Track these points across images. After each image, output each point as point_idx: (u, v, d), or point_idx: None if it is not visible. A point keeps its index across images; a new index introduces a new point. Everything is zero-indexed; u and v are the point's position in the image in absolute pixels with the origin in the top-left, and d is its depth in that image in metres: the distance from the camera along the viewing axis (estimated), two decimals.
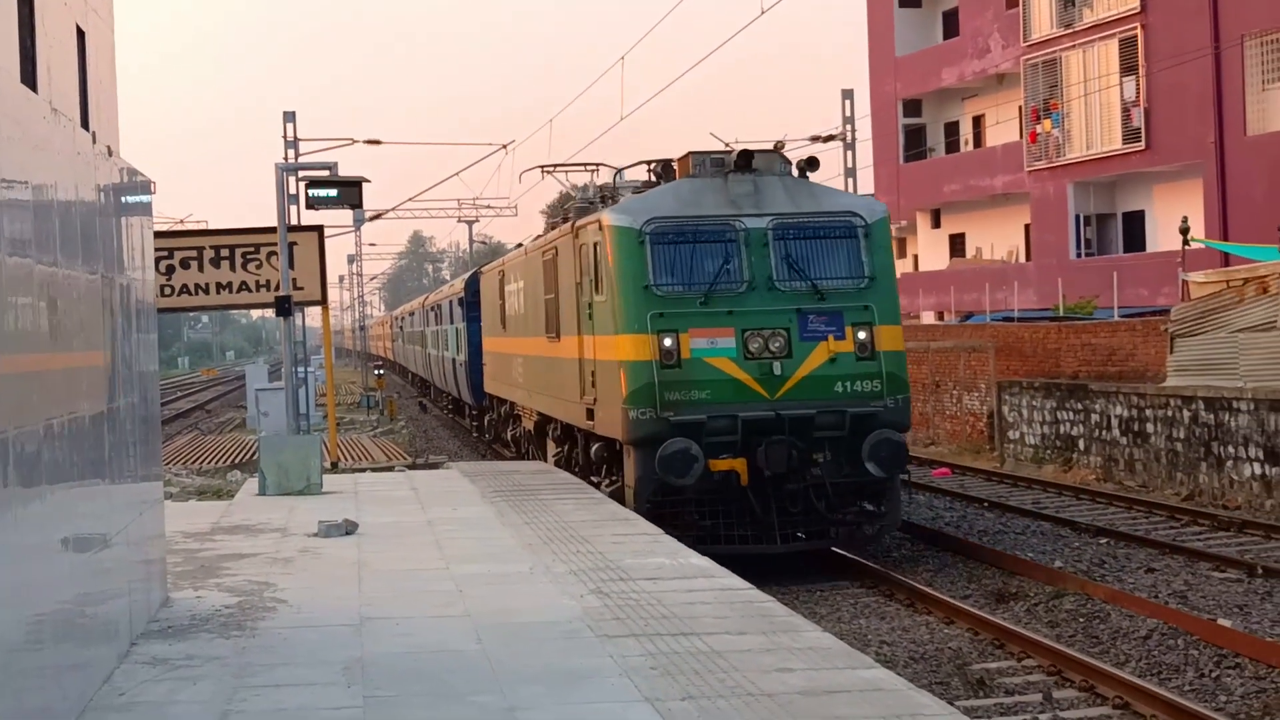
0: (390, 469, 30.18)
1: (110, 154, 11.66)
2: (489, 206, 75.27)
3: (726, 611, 12.07)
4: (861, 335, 19.07)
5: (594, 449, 21.45)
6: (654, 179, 21.88)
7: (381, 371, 73.79)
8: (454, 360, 46.41)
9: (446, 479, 24.64)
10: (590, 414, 20.97)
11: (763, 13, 27.10)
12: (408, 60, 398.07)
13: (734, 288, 19.20)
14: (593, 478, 22.05)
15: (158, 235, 23.52)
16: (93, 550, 10.31)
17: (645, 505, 18.73)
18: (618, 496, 19.92)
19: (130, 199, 12.59)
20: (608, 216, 19.89)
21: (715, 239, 19.39)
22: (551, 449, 26.33)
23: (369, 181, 26.24)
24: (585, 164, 27.50)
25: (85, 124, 10.83)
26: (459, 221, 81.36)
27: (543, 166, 27.79)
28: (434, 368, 57.37)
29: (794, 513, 19.04)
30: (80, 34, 10.93)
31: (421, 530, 17.73)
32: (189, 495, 26.51)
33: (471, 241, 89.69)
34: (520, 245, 34.05)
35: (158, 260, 24.38)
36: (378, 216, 51.50)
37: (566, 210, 25.20)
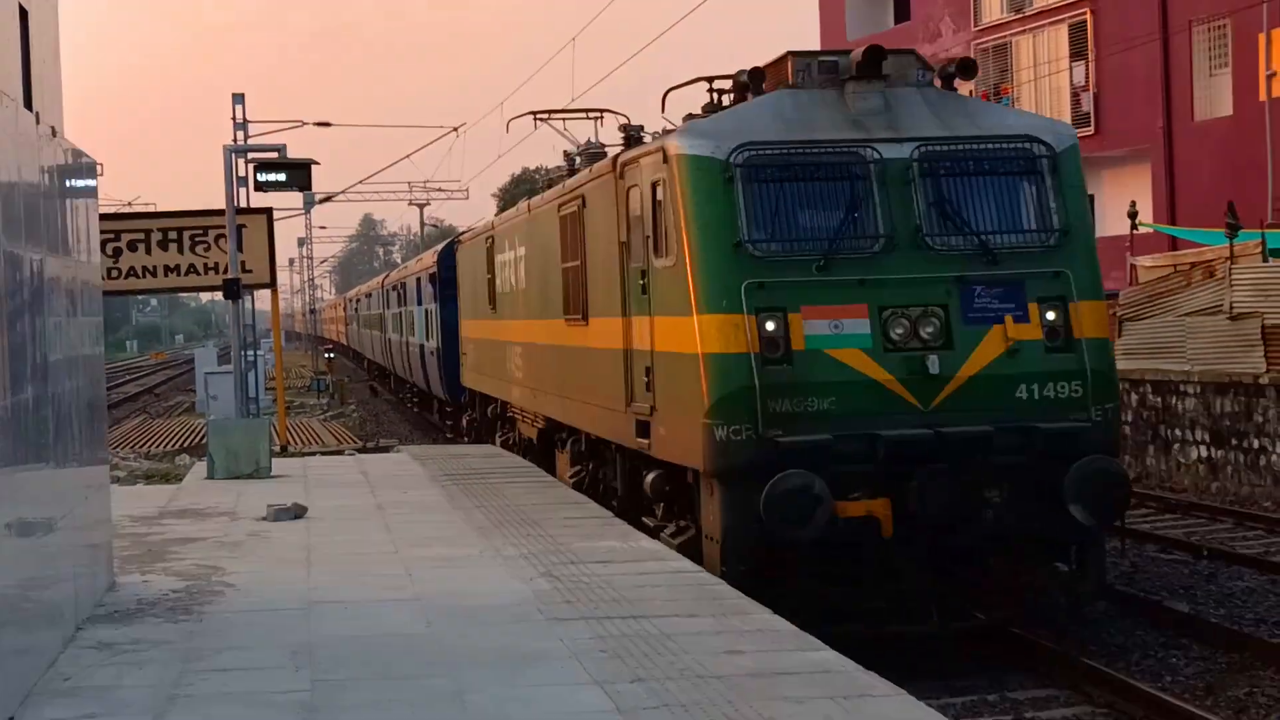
0: (340, 453, 30.08)
1: (54, 134, 11.54)
2: (440, 189, 75.20)
3: (677, 594, 12.07)
4: (1051, 315, 13.64)
5: (649, 479, 15.38)
6: (716, 104, 15.85)
7: (332, 355, 73.51)
8: (422, 348, 40.58)
9: (397, 463, 24.57)
10: (644, 429, 15.31)
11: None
12: (358, 42, 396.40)
13: (866, 246, 13.74)
14: (645, 519, 16.01)
15: (104, 218, 23.38)
16: (37, 535, 10.23)
17: (739, 567, 13.14)
18: (691, 551, 14.10)
19: (75, 180, 12.47)
20: (677, 143, 14.24)
21: (837, 175, 13.97)
22: (565, 467, 20.60)
23: (318, 164, 26.13)
24: (588, 110, 23.19)
25: (28, 104, 10.72)
26: (410, 204, 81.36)
27: (535, 113, 23.77)
28: (396, 355, 50.86)
29: (959, 577, 13.73)
30: (23, 13, 10.81)
31: (371, 514, 17.66)
32: (137, 479, 26.32)
33: (423, 224, 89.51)
34: (512, 206, 29.83)
35: (104, 243, 24.18)
36: (328, 199, 51.36)
37: (571, 162, 21.50)
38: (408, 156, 70.11)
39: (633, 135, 17.69)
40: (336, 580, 13.26)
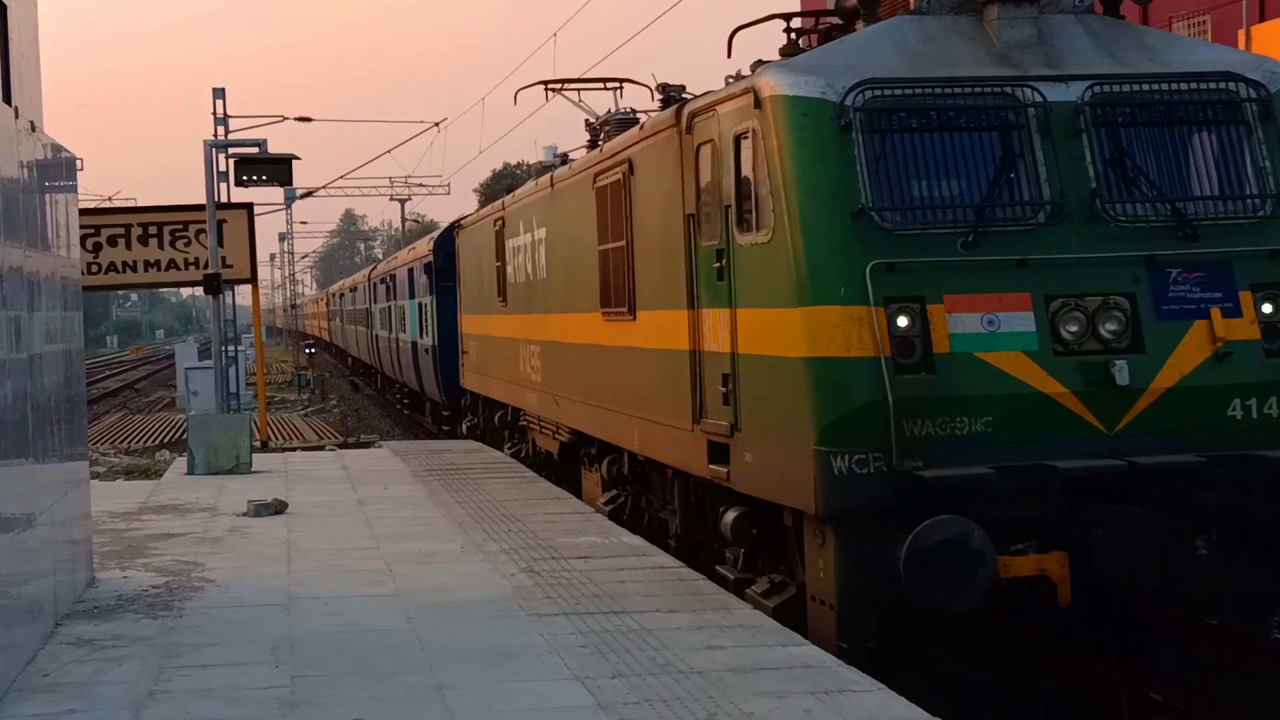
0: (321, 448, 30.03)
1: (33, 129, 11.50)
2: (421, 185, 75.15)
3: (658, 590, 12.07)
4: (1269, 308, 10.63)
5: (729, 519, 11.98)
6: (793, 48, 12.33)
7: (313, 351, 73.40)
8: (414, 345, 37.14)
9: (378, 458, 24.55)
10: (719, 453, 12.04)
11: None
12: (339, 37, 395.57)
13: (1026, 216, 10.74)
14: (721, 569, 12.56)
15: (84, 213, 23.29)
16: (15, 530, 10.20)
17: (864, 642, 10.24)
18: (791, 616, 10.97)
19: (54, 175, 12.44)
20: (773, 80, 10.96)
21: (985, 123, 10.91)
22: (595, 490, 17.60)
23: (299, 159, 26.13)
24: (605, 80, 21.15)
25: (7, 99, 10.68)
26: (391, 199, 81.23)
27: (547, 83, 21.41)
28: (384, 353, 47.34)
29: (1155, 654, 10.66)
30: (2, 8, 10.77)
31: (352, 509, 17.63)
32: (117, 475, 26.24)
33: (404, 219, 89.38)
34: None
35: (84, 238, 24.12)
36: (309, 194, 51.27)
37: (595, 134, 18.71)
38: (389, 151, 70.21)
39: (674, 96, 14.76)
40: (317, 576, 13.23)
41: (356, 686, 9.35)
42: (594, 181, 16.36)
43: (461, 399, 29.86)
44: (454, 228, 30.26)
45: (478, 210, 28.38)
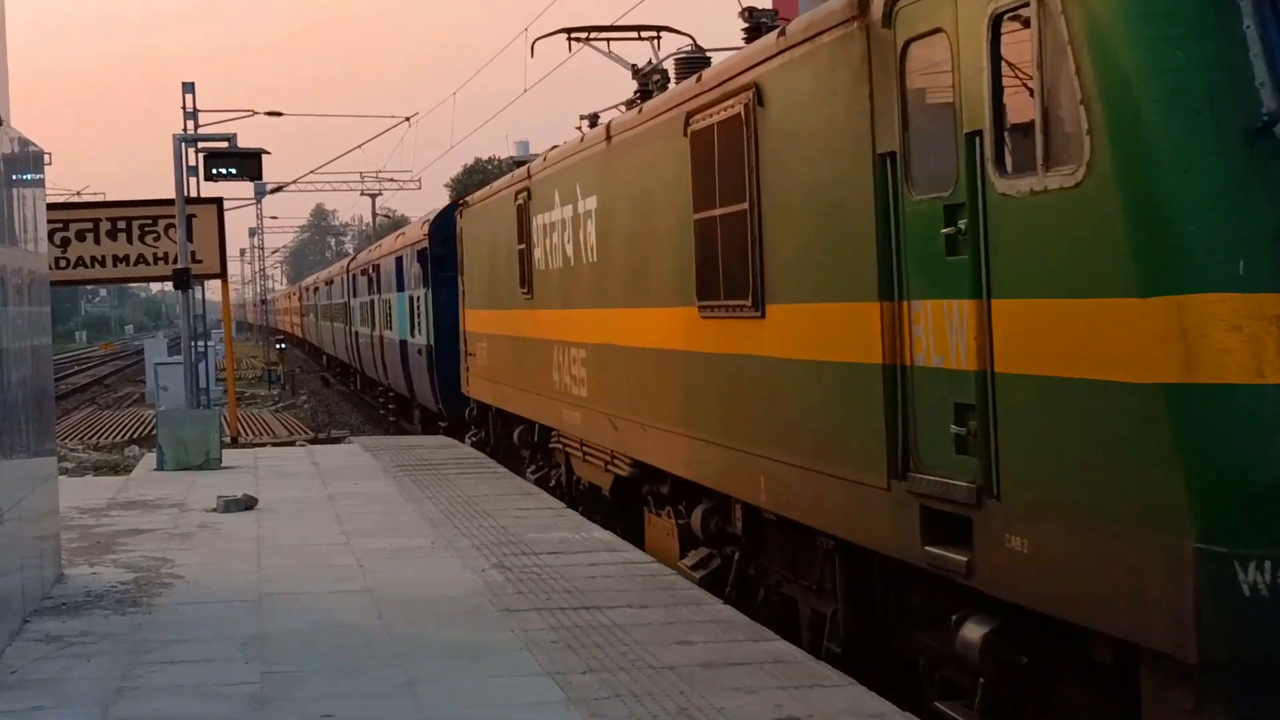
0: (291, 444, 29.89)
1: (0, 123, 11.43)
2: (392, 180, 74.99)
3: (629, 585, 12.06)
4: None
5: (970, 636, 7.89)
6: None
7: (283, 346, 73.17)
8: (404, 345, 33.65)
9: (348, 454, 24.50)
10: (950, 528, 7.97)
11: None
12: (311, 32, 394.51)
13: None
14: (941, 704, 8.51)
15: (52, 207, 23.14)
16: None
17: None
18: None
19: (21, 169, 12.36)
20: None
21: None
22: (669, 541, 13.90)
23: (269, 153, 26.01)
24: (640, 28, 18.10)
25: None
26: (362, 194, 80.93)
27: (570, 31, 18.32)
28: (365, 353, 44.17)
29: None
30: None
31: (322, 505, 17.59)
32: (85, 471, 26.14)
33: (375, 214, 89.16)
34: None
35: (52, 233, 24.00)
36: (279, 189, 50.98)
37: (645, 84, 15.56)
38: (359, 146, 70.06)
39: (765, 23, 11.77)
40: (287, 572, 13.19)
41: (327, 683, 9.32)
42: (686, 125, 12.12)
43: (465, 408, 25.73)
44: (456, 208, 26.63)
45: (490, 186, 22.74)
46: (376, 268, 39.95)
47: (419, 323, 31.13)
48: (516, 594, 11.81)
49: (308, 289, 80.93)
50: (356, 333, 46.60)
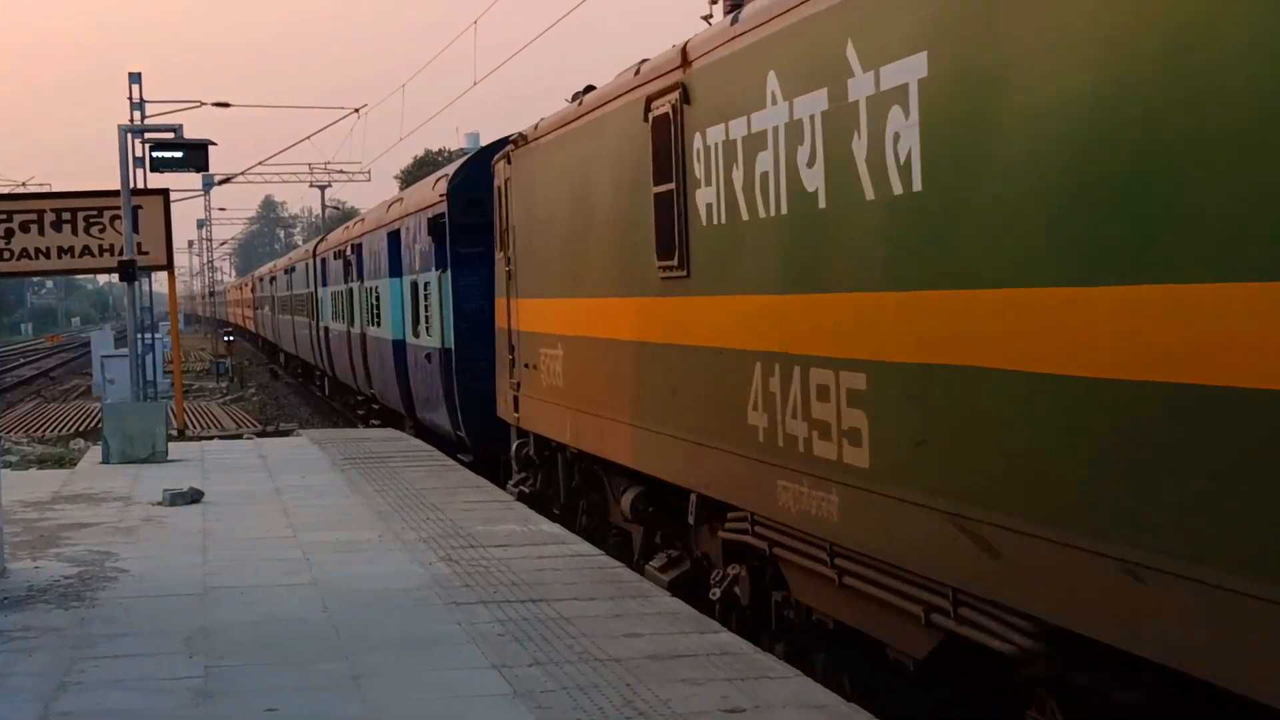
0: (239, 436, 29.79)
1: None
2: (341, 171, 74.58)
3: (576, 577, 12.06)
4: None
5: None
6: None
7: (231, 339, 72.75)
8: (399, 347, 26.90)
9: (296, 446, 24.40)
10: None
11: None
12: (258, 21, 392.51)
13: None
14: None
15: None
16: None
17: None
18: None
19: None
20: None
21: None
22: None
23: (215, 144, 25.97)
24: None
25: None
26: (311, 186, 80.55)
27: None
28: (337, 352, 37.47)
29: None
30: None
31: (269, 498, 17.51)
32: (29, 464, 25.95)
33: (324, 206, 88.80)
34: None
35: None
36: (227, 180, 50.81)
37: None
38: (308, 138, 69.68)
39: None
40: (233, 565, 13.13)
41: (272, 676, 9.27)
42: None
43: (501, 437, 18.73)
44: (492, 153, 18.73)
45: (576, 103, 14.36)
46: (357, 248, 32.30)
47: (425, 318, 24.04)
48: (464, 587, 11.79)
49: (261, 279, 74.69)
50: (325, 329, 39.72)
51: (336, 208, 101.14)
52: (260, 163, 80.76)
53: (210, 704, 8.72)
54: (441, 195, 22.05)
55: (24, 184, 61.71)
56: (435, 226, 22.37)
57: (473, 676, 9.11)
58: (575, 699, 8.54)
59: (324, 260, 39.95)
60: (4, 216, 25.81)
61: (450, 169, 23.29)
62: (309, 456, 22.23)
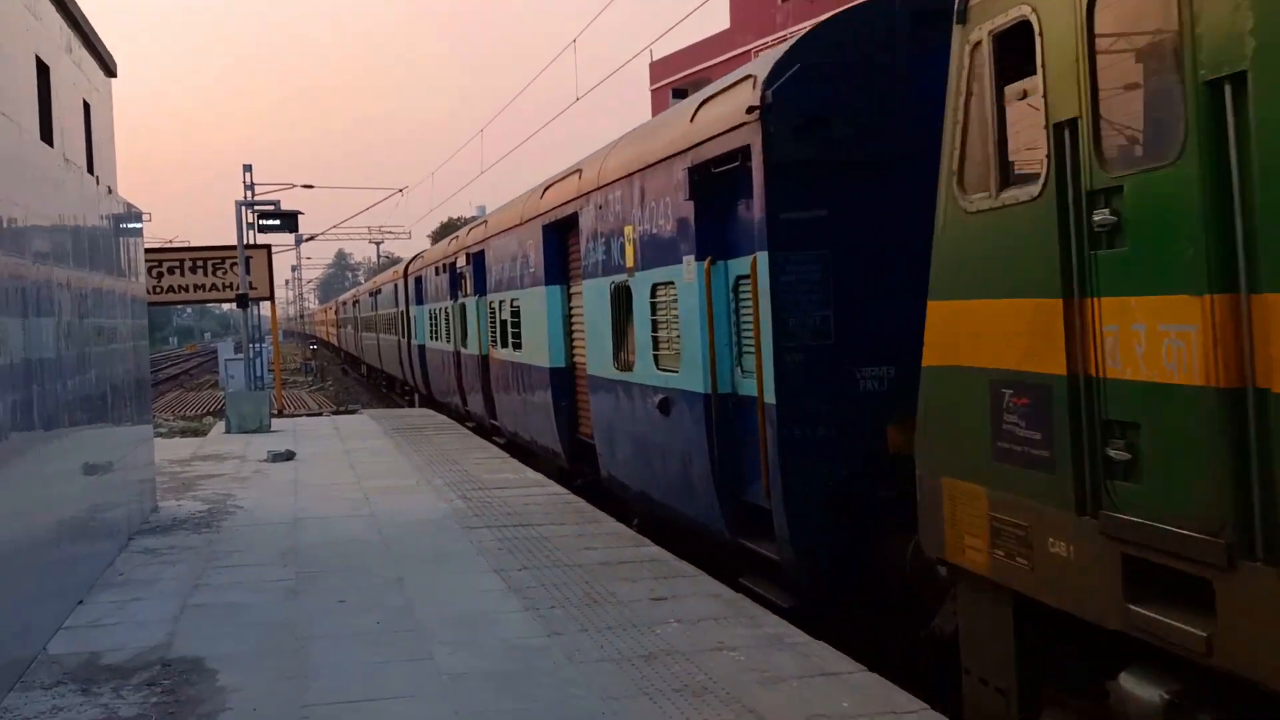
0: (320, 414, 29.51)
1: (110, 191, 11.19)
2: (390, 232, 74.35)
3: (552, 510, 12.02)
4: None
5: None
6: None
7: (315, 347, 72.00)
8: (561, 384, 13.15)
9: (360, 421, 24.19)
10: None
11: (577, 99, 26.75)
12: (334, 126, 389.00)
13: None
14: None
15: (150, 251, 22.70)
16: (100, 473, 9.94)
17: None
18: None
19: (127, 224, 12.11)
20: None
21: None
22: None
23: (303, 214, 25.67)
24: None
25: (90, 170, 10.38)
26: (369, 242, 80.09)
27: None
28: (435, 373, 24.24)
29: None
30: (86, 105, 10.47)
31: (340, 457, 17.36)
32: (175, 434, 25.61)
33: (379, 256, 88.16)
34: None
35: (150, 268, 23.55)
36: (311, 238, 50.19)
37: None
38: (367, 209, 69.11)
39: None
40: (315, 502, 13.01)
41: (342, 578, 9.21)
42: None
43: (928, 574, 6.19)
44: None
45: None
46: (478, 257, 18.21)
47: (633, 343, 10.37)
48: (474, 516, 11.74)
49: (344, 303, 59.43)
50: (422, 347, 26.63)
51: (387, 257, 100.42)
52: (334, 226, 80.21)
53: (298, 598, 8.66)
54: (753, 108, 7.46)
55: (171, 240, 60.91)
56: (701, 177, 8.53)
57: (479, 578, 9.08)
58: (550, 591, 8.52)
59: (417, 280, 27.10)
60: (156, 264, 25.57)
61: (757, 65, 7.97)
62: (368, 428, 22.05)
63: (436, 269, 23.26)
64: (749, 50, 40.19)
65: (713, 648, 6.99)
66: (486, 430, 18.66)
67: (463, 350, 20.21)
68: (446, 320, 21.87)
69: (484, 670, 6.75)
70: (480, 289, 18.42)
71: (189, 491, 14.17)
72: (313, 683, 6.62)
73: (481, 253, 18.19)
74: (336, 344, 77.18)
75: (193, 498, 13.66)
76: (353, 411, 30.13)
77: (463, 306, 20.04)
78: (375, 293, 40.08)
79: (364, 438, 20.11)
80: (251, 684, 6.65)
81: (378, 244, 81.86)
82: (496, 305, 16.72)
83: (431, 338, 24.66)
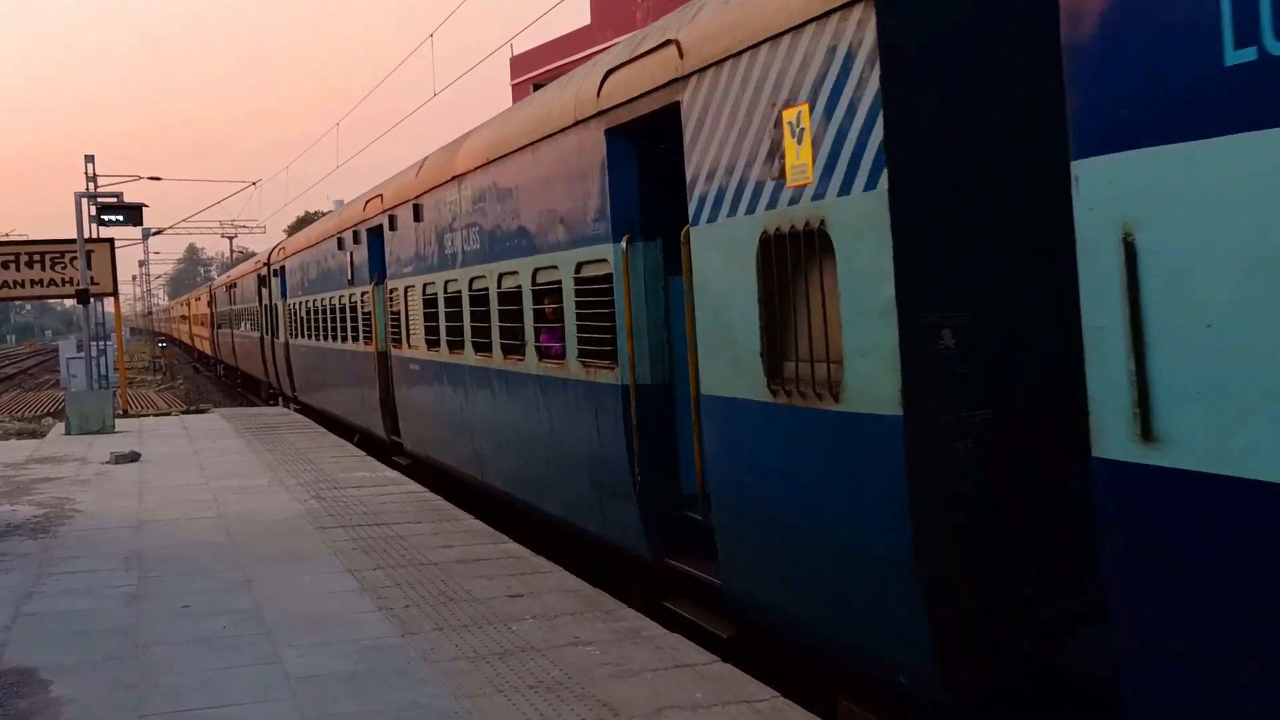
0: (168, 414, 28.57)
1: None
2: (244, 226, 72.41)
3: (409, 508, 11.87)
4: None
5: None
6: None
7: (165, 345, 69.77)
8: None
9: (210, 421, 23.50)
10: None
11: (435, 95, 26.41)
12: (184, 108, 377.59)
13: None
14: None
15: None
16: None
17: None
18: None
19: None
20: None
21: None
22: None
23: (148, 206, 24.89)
24: None
25: None
26: (222, 237, 77.95)
27: None
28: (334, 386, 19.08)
29: None
30: None
31: (189, 457, 16.84)
32: (10, 436, 24.48)
33: (233, 251, 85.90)
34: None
35: None
36: (159, 232, 48.58)
37: None
38: (219, 202, 67.25)
39: None
40: (161, 505, 12.60)
41: (187, 582, 8.93)
42: None
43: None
44: None
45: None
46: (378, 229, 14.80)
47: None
48: (328, 516, 11.51)
49: (224, 287, 43.59)
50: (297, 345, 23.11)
51: (241, 252, 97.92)
52: (183, 220, 77.71)
53: (140, 603, 8.36)
54: None
55: (7, 234, 58.28)
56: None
57: (333, 579, 8.90)
58: (405, 591, 8.41)
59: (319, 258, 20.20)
60: None
61: None
62: (220, 428, 21.44)
63: (357, 230, 16.81)
64: (609, 46, 40.12)
65: (569, 643, 6.98)
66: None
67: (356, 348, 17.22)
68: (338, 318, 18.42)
69: (335, 672, 6.61)
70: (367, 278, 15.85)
71: (24, 496, 13.56)
72: (153, 691, 6.40)
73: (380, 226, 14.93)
74: (188, 343, 72.04)
75: (28, 502, 13.08)
76: (204, 411, 29.26)
77: (338, 305, 17.97)
78: (231, 286, 37.39)
79: (215, 437, 19.54)
80: (87, 695, 6.40)
81: (231, 238, 79.71)
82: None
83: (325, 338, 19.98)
